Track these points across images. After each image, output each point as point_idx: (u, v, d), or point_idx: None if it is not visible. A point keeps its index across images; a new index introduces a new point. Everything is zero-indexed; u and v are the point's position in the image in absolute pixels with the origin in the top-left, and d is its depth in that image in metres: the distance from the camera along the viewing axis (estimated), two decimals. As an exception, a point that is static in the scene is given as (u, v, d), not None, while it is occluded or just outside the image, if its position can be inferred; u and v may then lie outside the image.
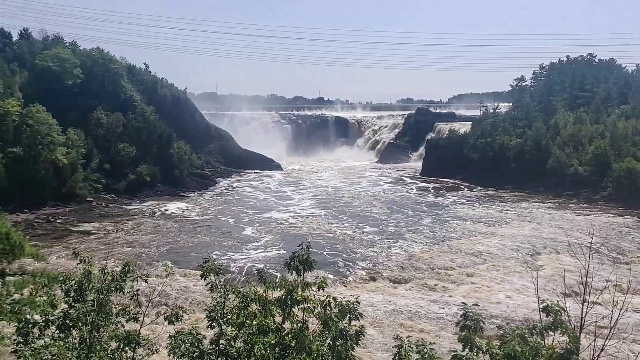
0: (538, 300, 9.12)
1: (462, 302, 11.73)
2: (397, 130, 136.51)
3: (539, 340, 8.87)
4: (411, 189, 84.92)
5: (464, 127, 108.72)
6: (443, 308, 32.74)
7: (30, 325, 11.67)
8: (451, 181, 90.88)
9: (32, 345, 11.25)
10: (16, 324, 12.19)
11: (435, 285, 37.30)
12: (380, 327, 29.59)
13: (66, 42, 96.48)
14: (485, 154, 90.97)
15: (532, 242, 48.70)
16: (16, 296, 14.64)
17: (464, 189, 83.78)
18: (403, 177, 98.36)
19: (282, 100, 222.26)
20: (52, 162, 64.73)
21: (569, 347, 8.58)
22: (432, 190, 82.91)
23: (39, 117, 65.85)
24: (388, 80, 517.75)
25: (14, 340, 11.75)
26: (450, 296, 35.12)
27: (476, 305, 31.39)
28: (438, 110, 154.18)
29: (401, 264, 42.31)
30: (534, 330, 9.04)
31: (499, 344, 8.95)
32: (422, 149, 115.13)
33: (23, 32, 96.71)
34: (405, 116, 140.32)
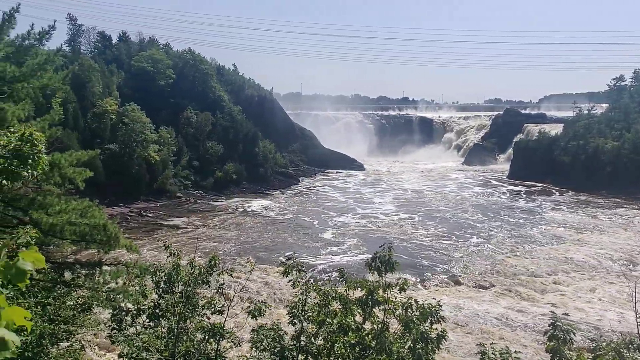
0: (636, 314, 8.57)
1: (551, 311, 11.22)
2: (483, 132, 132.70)
3: (637, 357, 8.32)
4: (498, 192, 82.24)
5: (554, 129, 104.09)
6: (528, 316, 31.50)
7: (123, 313, 12.31)
8: (540, 185, 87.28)
9: (125, 331, 11.84)
10: (111, 311, 12.89)
11: (520, 292, 35.94)
12: (463, 332, 28.90)
13: (160, 44, 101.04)
14: (577, 157, 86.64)
15: (629, 251, 45.87)
16: (111, 285, 15.41)
17: (555, 193, 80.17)
18: (489, 180, 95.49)
19: (366, 100, 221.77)
20: (145, 158, 68.01)
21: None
22: (520, 194, 79.89)
23: (134, 115, 69.35)
24: (475, 80, 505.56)
25: (109, 326, 12.43)
26: (537, 304, 33.71)
27: (566, 315, 30.02)
28: (527, 111, 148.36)
29: (485, 269, 41.12)
30: (630, 346, 8.50)
31: (591, 357, 8.49)
32: (509, 151, 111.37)
33: (122, 35, 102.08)
34: (493, 117, 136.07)
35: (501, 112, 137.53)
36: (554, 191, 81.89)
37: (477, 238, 51.02)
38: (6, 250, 1.77)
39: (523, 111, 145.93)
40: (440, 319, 9.68)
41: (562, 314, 29.39)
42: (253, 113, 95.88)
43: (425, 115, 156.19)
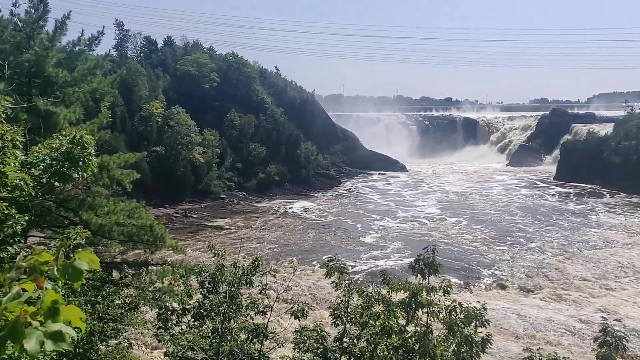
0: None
1: (602, 317, 10.89)
2: (529, 132, 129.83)
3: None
4: (545, 193, 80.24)
5: (604, 129, 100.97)
6: (577, 321, 30.63)
7: (169, 312, 12.55)
8: (589, 186, 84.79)
9: (171, 330, 12.07)
10: (157, 310, 13.15)
11: (569, 296, 34.98)
12: (508, 337, 28.35)
13: (204, 48, 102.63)
14: (629, 157, 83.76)
15: (684, 255, 44.11)
16: (158, 284, 15.72)
17: (605, 195, 77.76)
18: (535, 181, 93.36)
19: (409, 101, 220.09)
20: (190, 160, 69.24)
21: None
22: (569, 196, 77.85)
23: (179, 118, 70.69)
24: (521, 80, 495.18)
25: (155, 324, 12.69)
26: (586, 309, 32.74)
27: (617, 321, 29.07)
28: (575, 111, 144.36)
29: (532, 272, 40.22)
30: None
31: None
32: (556, 152, 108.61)
33: (167, 39, 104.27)
34: (539, 117, 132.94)
35: (547, 112, 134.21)
36: (604, 193, 79.46)
37: (524, 241, 49.91)
38: (63, 250, 1.83)
39: (571, 111, 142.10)
40: (485, 323, 9.53)
41: (614, 320, 28.45)
42: (295, 115, 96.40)
43: (469, 116, 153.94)
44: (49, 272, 1.80)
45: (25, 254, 1.93)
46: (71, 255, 1.82)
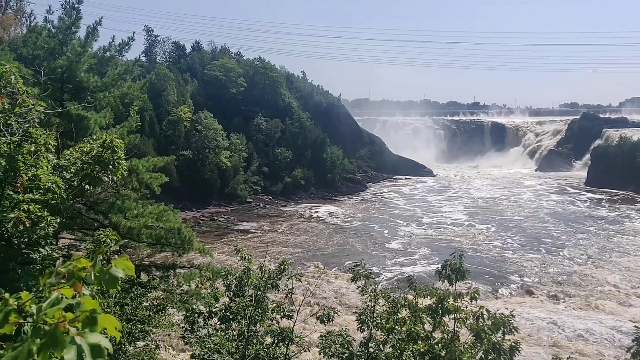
0: None
1: (635, 326, 10.65)
2: (559, 137, 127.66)
3: None
4: (576, 199, 78.72)
5: (637, 134, 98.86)
6: (609, 330, 30.00)
7: (196, 315, 12.65)
8: (621, 192, 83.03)
9: (197, 333, 12.17)
10: (184, 312, 13.28)
11: (599, 304, 34.28)
12: (537, 345, 27.90)
13: (232, 53, 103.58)
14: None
15: None
16: (185, 287, 15.88)
17: (638, 202, 76.06)
18: (565, 187, 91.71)
19: (436, 106, 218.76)
20: (217, 164, 69.85)
21: None
22: (600, 202, 76.30)
23: (207, 122, 71.43)
24: (550, 84, 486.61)
25: (182, 327, 12.81)
26: (618, 318, 32.04)
27: (649, 330, 28.38)
28: (607, 115, 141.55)
29: (562, 279, 39.53)
30: None
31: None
32: (587, 157, 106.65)
33: (195, 44, 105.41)
34: (569, 122, 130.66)
35: (578, 117, 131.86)
36: (638, 199, 77.76)
37: (554, 248, 49.08)
38: (101, 257, 1.87)
39: (602, 115, 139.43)
40: (513, 330, 9.40)
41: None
42: (321, 119, 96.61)
43: (497, 120, 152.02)
44: (86, 277, 1.84)
45: (63, 259, 1.98)
46: (107, 262, 1.86)
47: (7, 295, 1.81)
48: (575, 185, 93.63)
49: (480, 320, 9.54)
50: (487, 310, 9.66)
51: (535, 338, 28.78)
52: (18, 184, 8.06)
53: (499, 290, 37.49)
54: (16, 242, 7.79)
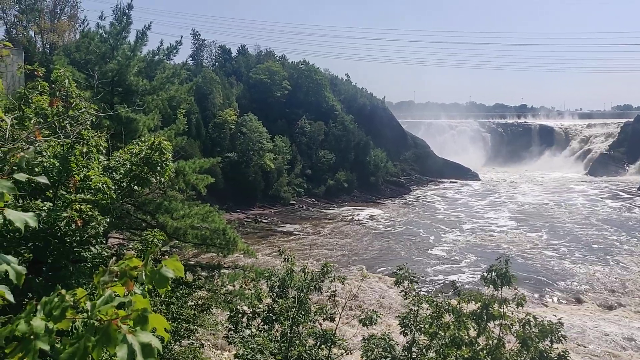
0: None
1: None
2: (611, 140, 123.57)
3: None
4: (629, 205, 75.63)
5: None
6: (663, 341, 28.89)
7: (239, 315, 12.79)
8: (676, 198, 79.79)
9: (241, 333, 12.29)
10: (228, 312, 13.45)
11: (654, 314, 33.03)
12: (587, 354, 27.09)
13: (277, 56, 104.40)
14: None
15: None
16: (229, 287, 16.09)
17: (693, 208, 72.89)
18: (618, 192, 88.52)
19: (482, 108, 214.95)
20: (261, 166, 70.58)
21: None
22: (653, 208, 73.41)
23: (252, 125, 72.27)
24: (601, 86, 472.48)
25: (226, 327, 12.97)
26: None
27: None
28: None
29: (613, 287, 38.24)
30: None
31: None
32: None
33: (241, 48, 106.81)
34: (622, 124, 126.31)
35: (631, 120, 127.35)
36: (693, 206, 74.54)
37: (606, 255, 47.42)
38: (152, 256, 1.91)
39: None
40: (561, 338, 9.17)
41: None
42: (365, 122, 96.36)
43: (545, 123, 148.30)
44: (137, 277, 1.89)
45: (116, 257, 2.04)
46: (158, 262, 1.91)
47: (63, 291, 1.89)
48: (628, 190, 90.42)
49: (527, 327, 9.35)
50: (534, 317, 9.46)
51: (585, 347, 27.95)
52: (71, 185, 8.33)
53: (547, 298, 36.57)
54: (68, 240, 8.05)
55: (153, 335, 1.75)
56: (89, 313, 1.75)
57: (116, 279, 1.87)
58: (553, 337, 9.12)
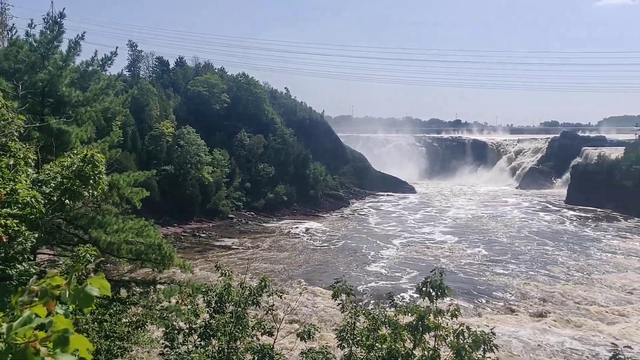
0: None
1: (612, 343, 10.73)
2: (539, 155, 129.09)
3: None
4: (556, 217, 79.38)
5: (615, 153, 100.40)
6: (588, 347, 30.17)
7: (175, 332, 12.48)
8: (600, 210, 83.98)
9: (177, 350, 12.00)
10: (164, 329, 13.11)
11: (580, 321, 34.49)
12: (518, 363, 27.92)
13: (215, 69, 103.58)
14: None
15: (697, 281, 43.45)
16: (165, 303, 15.69)
17: (619, 220, 76.82)
18: (546, 205, 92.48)
19: (418, 123, 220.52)
20: (199, 180, 69.51)
21: None
22: (580, 219, 77.05)
23: (189, 138, 71.20)
24: (531, 102, 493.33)
25: (162, 344, 12.63)
26: (597, 335, 32.24)
27: (628, 347, 28.62)
28: (586, 134, 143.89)
29: (543, 297, 39.72)
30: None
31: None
32: (567, 175, 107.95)
33: (179, 60, 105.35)
34: (549, 140, 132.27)
35: (558, 135, 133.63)
36: (617, 217, 78.65)
37: (534, 265, 49.36)
38: (76, 275, 1.83)
39: (581, 134, 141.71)
40: (493, 348, 9.39)
41: (624, 347, 28.00)
42: (304, 135, 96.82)
43: (478, 138, 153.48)
44: (60, 296, 1.80)
45: (37, 276, 1.94)
46: (85, 279, 1.83)
47: (-23, 313, 1.77)
48: (556, 202, 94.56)
49: (461, 337, 9.51)
50: (468, 328, 9.64)
51: (517, 356, 28.82)
52: (-5, 199, 7.93)
53: (481, 308, 37.56)
54: (-8, 257, 7.65)
55: (74, 357, 1.67)
56: (5, 336, 1.65)
57: (37, 299, 1.78)
58: (486, 347, 9.32)
